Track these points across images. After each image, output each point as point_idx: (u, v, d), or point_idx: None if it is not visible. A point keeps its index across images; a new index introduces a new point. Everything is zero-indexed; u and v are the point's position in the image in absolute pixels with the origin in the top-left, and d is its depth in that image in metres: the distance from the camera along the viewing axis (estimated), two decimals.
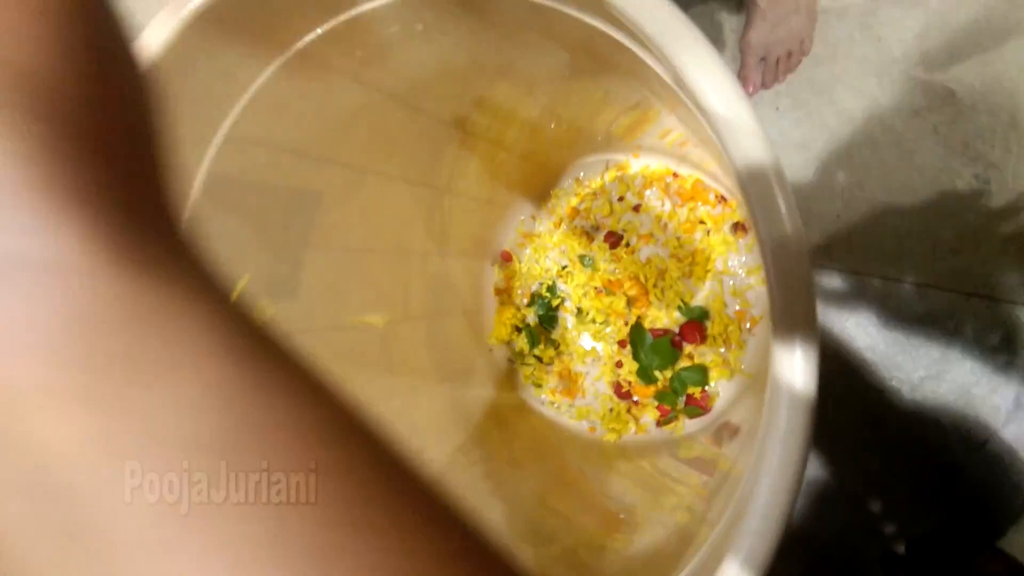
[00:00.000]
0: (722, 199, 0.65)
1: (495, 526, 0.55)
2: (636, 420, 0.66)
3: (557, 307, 0.70)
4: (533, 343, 0.71)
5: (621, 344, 0.67)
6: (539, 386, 0.71)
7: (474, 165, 0.66)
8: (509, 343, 0.72)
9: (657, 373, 0.65)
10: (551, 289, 0.70)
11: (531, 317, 0.71)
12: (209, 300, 0.12)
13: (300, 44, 0.43)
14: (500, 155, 0.66)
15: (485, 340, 0.72)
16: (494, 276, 0.73)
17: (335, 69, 0.46)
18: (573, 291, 0.69)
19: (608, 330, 0.68)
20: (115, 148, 0.12)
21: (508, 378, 0.72)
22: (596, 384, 0.69)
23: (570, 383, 0.69)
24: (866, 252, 0.66)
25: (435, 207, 0.67)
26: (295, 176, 0.50)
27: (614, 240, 0.68)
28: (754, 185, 0.29)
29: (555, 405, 0.70)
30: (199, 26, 0.37)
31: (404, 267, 0.66)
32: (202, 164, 0.41)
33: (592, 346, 0.69)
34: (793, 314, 0.28)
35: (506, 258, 0.73)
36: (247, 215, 0.46)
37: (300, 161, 0.50)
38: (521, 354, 0.72)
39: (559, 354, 0.70)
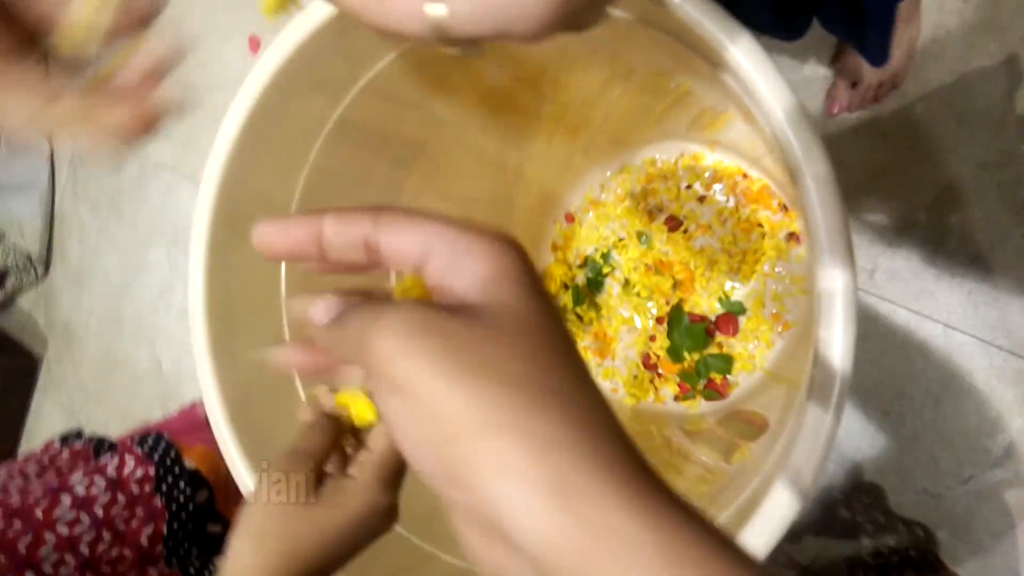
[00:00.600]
0: (784, 208, 0.68)
1: None
2: (656, 391, 0.72)
3: (606, 274, 0.75)
4: (577, 301, 0.76)
5: (659, 320, 0.72)
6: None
7: (559, 130, 0.70)
8: (555, 297, 0.78)
9: (686, 354, 0.70)
10: (605, 256, 0.75)
11: (580, 277, 0.77)
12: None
13: None
14: (584, 129, 0.70)
15: None
16: (554, 233, 0.78)
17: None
18: (625, 263, 0.74)
19: (649, 305, 0.73)
20: None
21: None
22: (627, 351, 0.74)
23: (603, 345, 0.75)
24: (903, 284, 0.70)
25: (509, 162, 0.72)
26: (407, 125, 0.55)
27: (673, 224, 0.72)
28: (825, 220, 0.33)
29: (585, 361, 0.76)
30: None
31: (470, 213, 0.71)
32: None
33: (631, 316, 0.74)
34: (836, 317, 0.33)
35: (569, 219, 0.77)
36: (367, 152, 0.51)
37: (412, 112, 0.55)
38: (564, 309, 0.77)
39: (598, 317, 0.76)
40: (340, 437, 0.33)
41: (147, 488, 0.72)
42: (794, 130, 0.32)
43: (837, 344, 0.32)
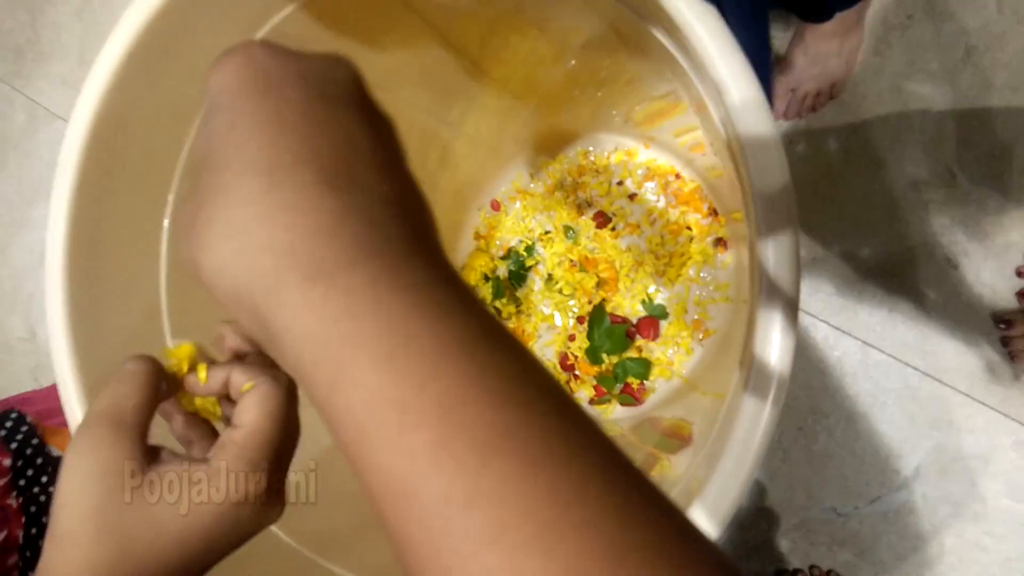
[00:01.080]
0: (714, 212, 0.66)
1: None
2: (571, 393, 0.69)
3: (530, 268, 0.72)
4: (497, 295, 0.72)
5: (579, 320, 0.69)
6: None
7: (489, 110, 0.66)
8: (475, 288, 0.74)
9: (605, 356, 0.67)
10: (529, 249, 0.72)
11: (502, 270, 0.73)
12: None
13: None
14: (517, 108, 0.66)
15: None
16: (478, 221, 0.74)
17: None
18: (549, 257, 0.71)
19: (571, 303, 0.70)
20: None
21: None
22: (544, 350, 0.71)
23: (520, 342, 0.71)
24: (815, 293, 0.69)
25: (437, 138, 0.67)
26: None
27: (602, 220, 0.69)
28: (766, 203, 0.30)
29: None
30: None
31: None
32: None
33: (551, 314, 0.71)
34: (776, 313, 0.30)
35: (495, 207, 0.73)
36: None
37: None
38: (482, 302, 0.73)
39: (518, 312, 0.72)
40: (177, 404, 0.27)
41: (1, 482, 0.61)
42: (752, 125, 0.28)
43: (775, 352, 0.29)
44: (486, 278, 0.73)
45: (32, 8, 0.92)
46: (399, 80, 0.57)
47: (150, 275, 0.46)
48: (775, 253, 0.31)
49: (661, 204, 0.68)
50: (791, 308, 0.29)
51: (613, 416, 0.67)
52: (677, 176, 0.68)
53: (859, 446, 0.66)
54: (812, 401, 0.68)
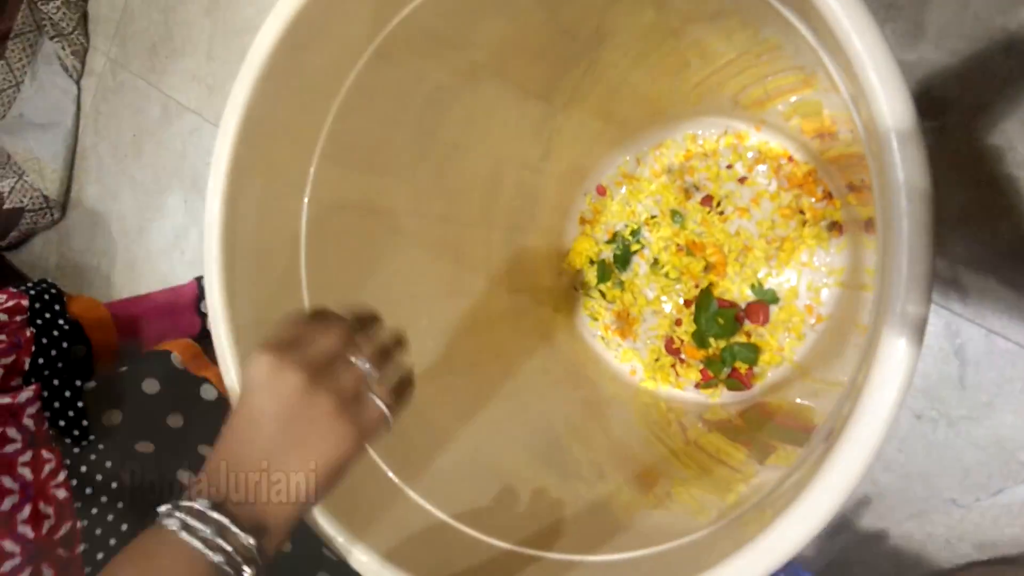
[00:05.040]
0: (828, 195, 0.65)
1: (520, 433, 0.60)
2: (677, 376, 0.70)
3: (635, 252, 0.72)
4: (602, 278, 0.73)
5: (686, 303, 0.70)
6: (595, 319, 0.74)
7: (597, 93, 0.66)
8: (580, 272, 0.75)
9: (712, 340, 0.67)
10: (635, 233, 0.72)
11: (607, 254, 0.74)
12: None
13: None
14: (625, 90, 0.67)
15: (559, 263, 0.75)
16: (584, 205, 0.75)
17: None
18: (655, 241, 0.71)
19: (678, 287, 0.70)
20: None
21: (568, 302, 0.76)
22: (650, 333, 0.71)
23: (626, 325, 0.72)
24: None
25: (546, 122, 0.68)
26: (444, 67, 0.52)
27: (710, 204, 0.69)
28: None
29: (605, 340, 0.73)
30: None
31: (499, 172, 0.69)
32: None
33: (657, 297, 0.71)
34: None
35: (600, 191, 0.74)
36: (398, 94, 0.48)
37: (450, 53, 0.52)
38: (587, 285, 0.75)
39: (623, 296, 0.73)
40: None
41: (17, 319, 0.62)
42: (889, 105, 0.28)
43: (901, 347, 0.29)
44: (591, 262, 0.74)
45: (165, 8, 0.98)
46: (509, 66, 0.58)
47: (293, 247, 0.50)
48: (909, 239, 0.30)
49: (773, 188, 0.67)
50: (921, 301, 0.29)
51: (720, 400, 0.68)
52: (790, 159, 0.66)
53: (981, 436, 0.64)
54: (932, 390, 0.66)
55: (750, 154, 0.68)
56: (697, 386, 0.69)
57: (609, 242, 0.74)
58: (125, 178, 1.07)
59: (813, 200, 0.66)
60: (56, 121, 1.09)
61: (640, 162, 0.73)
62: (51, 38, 1.06)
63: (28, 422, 0.51)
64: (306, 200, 0.50)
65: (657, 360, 0.70)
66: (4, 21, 1.03)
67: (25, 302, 0.64)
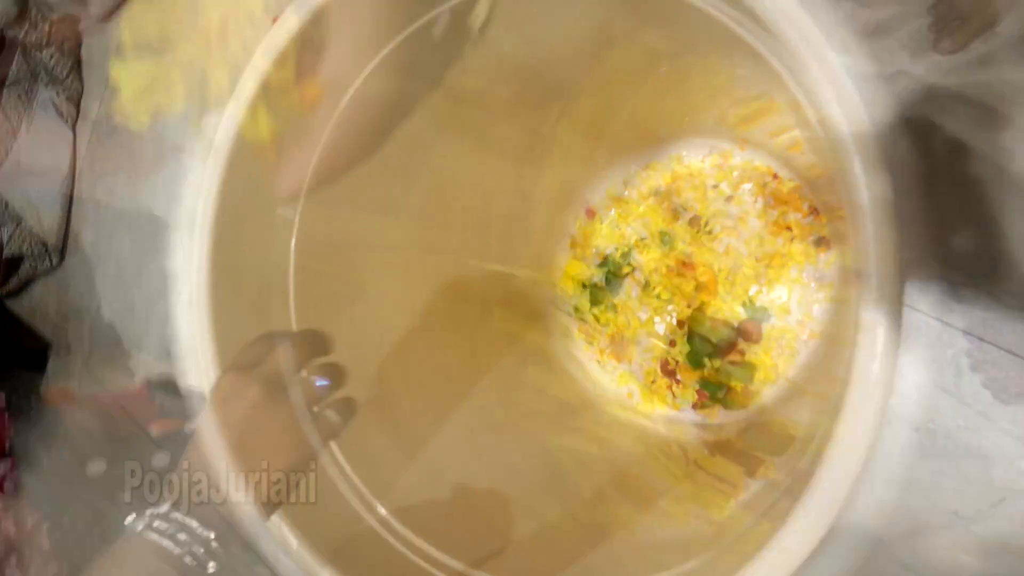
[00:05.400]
0: (815, 211, 0.65)
1: (520, 462, 0.60)
2: (674, 398, 0.70)
3: (626, 275, 0.73)
4: (594, 302, 0.73)
5: (679, 324, 0.70)
6: (590, 344, 0.74)
7: (581, 120, 0.67)
8: (572, 296, 0.75)
9: (707, 360, 0.68)
10: (625, 256, 0.73)
11: (598, 277, 0.74)
12: None
13: None
14: (609, 117, 0.68)
15: (551, 288, 0.76)
16: (573, 228, 0.76)
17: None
18: (646, 263, 0.72)
19: (670, 308, 0.70)
20: None
21: (563, 327, 0.76)
22: (644, 356, 0.72)
23: (620, 349, 0.72)
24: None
25: (534, 149, 0.69)
26: (425, 104, 0.53)
27: (698, 224, 0.69)
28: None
29: (601, 364, 0.73)
30: None
31: (488, 201, 0.69)
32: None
33: (650, 319, 0.71)
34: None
35: (590, 214, 0.75)
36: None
37: (431, 89, 0.53)
38: (580, 310, 0.75)
39: (616, 319, 0.73)
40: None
41: None
42: (850, 124, 0.29)
43: (879, 352, 0.29)
44: (583, 286, 0.75)
45: (159, 53, 1.01)
46: (495, 95, 0.59)
47: (282, 285, 0.51)
48: (877, 252, 0.31)
49: (759, 205, 0.68)
50: (895, 307, 0.29)
51: (718, 420, 0.67)
52: (775, 176, 0.67)
53: (980, 446, 0.64)
54: (928, 401, 0.66)
55: (735, 173, 0.69)
56: (694, 407, 0.69)
57: (600, 265, 0.74)
58: (121, 222, 1.07)
59: (800, 216, 0.66)
60: (53, 167, 1.10)
61: (628, 185, 0.73)
62: (46, 85, 1.07)
63: (9, 486, 0.56)
64: (293, 241, 0.50)
65: (653, 383, 0.70)
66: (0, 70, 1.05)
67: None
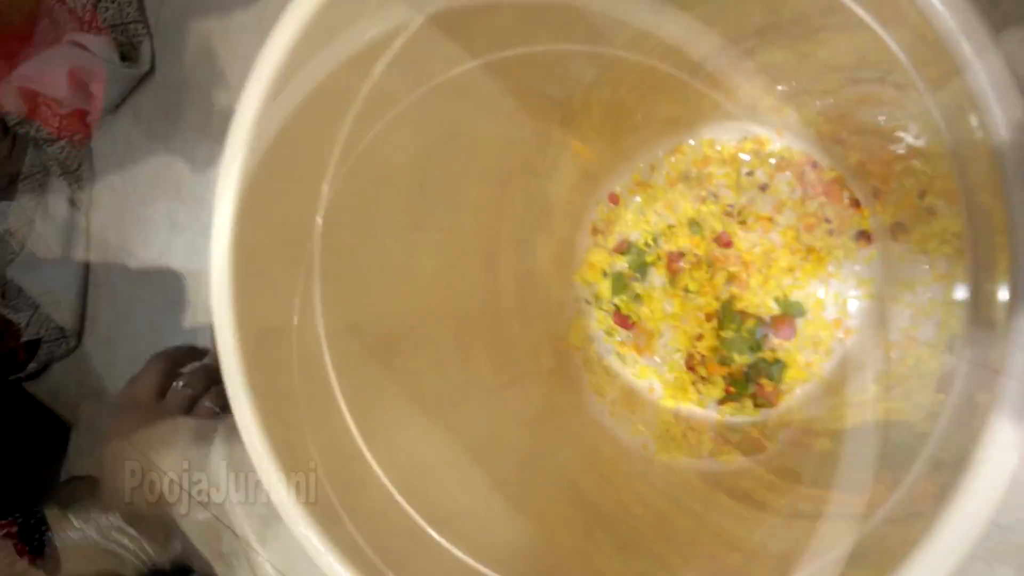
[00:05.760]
0: (856, 203, 0.62)
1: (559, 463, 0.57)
2: (699, 394, 0.66)
3: (651, 263, 0.69)
4: (617, 291, 0.70)
5: (707, 317, 0.66)
6: (610, 335, 0.71)
7: (606, 99, 0.63)
8: (592, 284, 0.72)
9: (736, 355, 0.64)
10: (650, 244, 0.69)
11: (621, 264, 0.70)
12: None
13: None
14: (634, 106, 0.64)
15: (570, 276, 0.72)
16: (595, 215, 0.72)
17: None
18: (673, 252, 0.68)
19: (698, 300, 0.67)
20: None
21: (581, 318, 0.72)
22: (669, 348, 0.68)
23: (643, 340, 0.69)
24: None
25: (555, 132, 0.65)
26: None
27: (731, 213, 0.66)
28: None
29: (621, 356, 0.70)
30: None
31: (507, 180, 0.65)
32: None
33: (676, 311, 0.68)
34: None
35: (613, 200, 0.71)
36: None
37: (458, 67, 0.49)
38: (600, 298, 0.71)
39: (639, 309, 0.69)
40: None
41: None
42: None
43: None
44: (604, 274, 0.71)
45: (165, 137, 0.96)
46: (519, 75, 0.55)
47: (306, 266, 0.47)
48: None
49: (796, 195, 0.64)
50: None
51: (746, 419, 0.64)
52: (815, 165, 0.63)
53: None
54: None
55: (772, 160, 0.65)
56: (721, 403, 0.66)
57: (624, 253, 0.70)
58: (138, 301, 1.09)
59: (840, 208, 0.62)
60: (68, 254, 1.12)
61: (654, 169, 0.69)
62: (59, 176, 1.09)
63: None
64: (319, 219, 0.46)
65: (677, 377, 0.67)
66: (12, 164, 1.06)
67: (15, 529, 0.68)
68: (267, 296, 0.44)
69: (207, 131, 1.00)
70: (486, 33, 0.48)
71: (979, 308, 0.31)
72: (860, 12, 0.31)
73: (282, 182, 0.44)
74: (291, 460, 0.40)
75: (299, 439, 0.41)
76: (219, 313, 0.41)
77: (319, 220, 0.46)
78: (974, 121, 0.26)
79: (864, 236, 0.62)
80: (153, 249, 1.11)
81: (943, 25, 0.25)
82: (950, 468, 0.28)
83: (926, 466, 0.32)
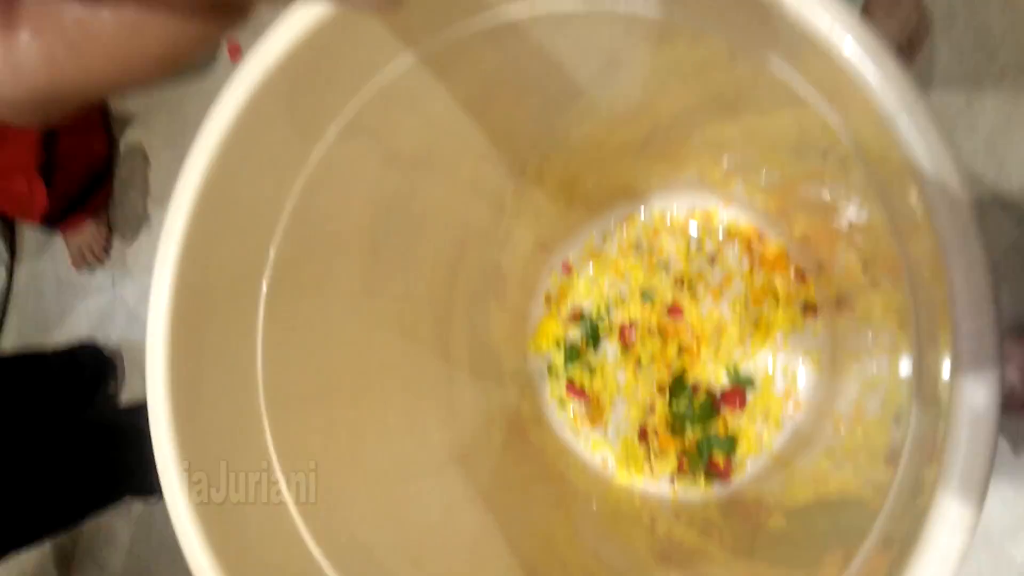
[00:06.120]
0: (801, 276, 0.63)
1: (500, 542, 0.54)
2: (652, 468, 0.65)
3: (604, 334, 0.69)
4: (569, 359, 0.69)
5: (659, 389, 0.66)
6: (562, 405, 0.69)
7: (554, 175, 0.64)
8: (546, 354, 0.71)
9: (688, 428, 0.64)
10: (603, 314, 0.69)
11: (575, 334, 0.70)
12: None
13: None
14: (586, 177, 0.65)
15: (523, 345, 0.71)
16: (549, 284, 0.72)
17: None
18: (625, 322, 0.68)
19: (651, 371, 0.66)
20: None
21: (534, 389, 0.71)
22: (621, 421, 0.67)
23: (595, 412, 0.68)
24: None
25: (505, 204, 0.66)
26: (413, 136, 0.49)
27: (681, 284, 0.66)
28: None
29: (574, 430, 0.69)
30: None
31: (462, 251, 0.65)
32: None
33: (628, 383, 0.67)
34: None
35: (566, 269, 0.71)
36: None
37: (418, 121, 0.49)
38: (553, 368, 0.70)
39: (592, 381, 0.69)
40: None
41: None
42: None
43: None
44: (558, 344, 0.70)
45: None
46: (473, 145, 0.55)
47: (248, 339, 0.45)
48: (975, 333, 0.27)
49: (744, 267, 0.65)
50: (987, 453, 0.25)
51: (698, 494, 0.63)
52: (760, 238, 0.65)
53: None
54: None
55: (720, 232, 0.66)
56: (673, 478, 0.64)
57: (577, 321, 0.70)
58: None
59: (786, 280, 0.64)
60: None
61: (607, 239, 0.70)
62: None
63: None
64: (264, 284, 0.44)
65: (629, 451, 0.66)
66: None
67: None
68: (206, 363, 0.42)
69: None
70: (441, 102, 0.48)
71: (923, 381, 0.32)
72: (802, 91, 0.32)
73: (225, 244, 0.42)
74: (222, 541, 0.37)
75: (236, 517, 0.38)
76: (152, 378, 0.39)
77: (264, 285, 0.45)
78: (913, 197, 0.26)
79: (810, 308, 0.63)
80: (69, 300, 1.13)
81: (881, 103, 0.26)
82: (899, 545, 0.27)
83: (876, 543, 0.31)
